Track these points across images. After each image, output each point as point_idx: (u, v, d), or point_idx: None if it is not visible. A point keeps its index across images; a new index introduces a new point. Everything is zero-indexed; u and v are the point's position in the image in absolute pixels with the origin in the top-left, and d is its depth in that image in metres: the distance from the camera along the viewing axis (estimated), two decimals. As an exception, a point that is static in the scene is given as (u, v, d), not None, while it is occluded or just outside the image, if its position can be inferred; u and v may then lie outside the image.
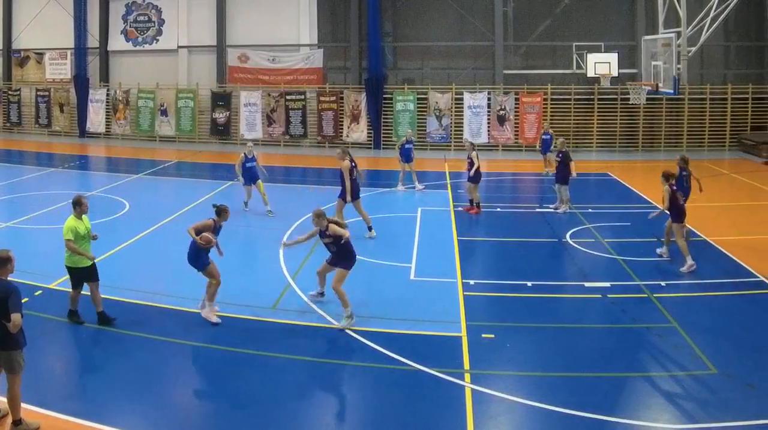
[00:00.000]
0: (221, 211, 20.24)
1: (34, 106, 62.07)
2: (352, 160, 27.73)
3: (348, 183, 27.36)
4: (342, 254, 19.90)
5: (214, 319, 19.35)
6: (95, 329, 18.86)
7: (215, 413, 14.91)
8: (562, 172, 32.40)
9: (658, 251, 26.04)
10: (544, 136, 43.36)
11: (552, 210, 32.48)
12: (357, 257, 20.12)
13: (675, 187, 24.92)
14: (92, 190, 36.01)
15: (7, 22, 63.39)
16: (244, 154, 31.64)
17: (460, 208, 32.76)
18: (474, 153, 32.24)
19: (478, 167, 32.08)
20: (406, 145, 38.18)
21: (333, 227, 19.74)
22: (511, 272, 24.15)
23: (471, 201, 32.59)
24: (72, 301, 19.34)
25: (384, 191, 37.48)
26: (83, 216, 19.31)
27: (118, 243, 26.67)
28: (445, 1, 55.51)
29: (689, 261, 23.97)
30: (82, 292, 19.20)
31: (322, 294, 21.35)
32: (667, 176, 24.85)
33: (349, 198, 27.64)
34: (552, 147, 42.39)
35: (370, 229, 27.90)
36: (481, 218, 31.71)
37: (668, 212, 24.77)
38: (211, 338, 18.56)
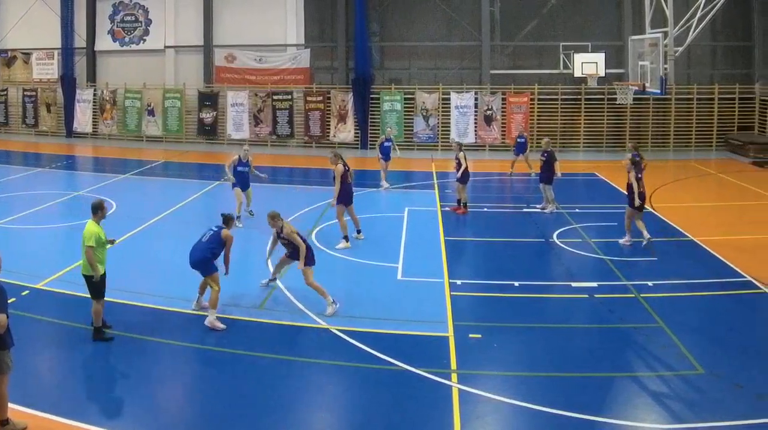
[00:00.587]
0: (228, 220, 20.39)
1: (21, 106, 61.83)
2: (345, 164, 27.60)
3: (338, 187, 27.13)
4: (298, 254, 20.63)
5: (220, 325, 19.15)
6: (83, 329, 18.74)
7: (202, 413, 14.90)
8: (547, 172, 32.43)
9: (620, 241, 27.12)
10: (519, 139, 43.19)
11: (539, 210, 32.49)
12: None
13: (639, 176, 26.33)
14: (79, 191, 35.96)
15: (-6, 22, 63.26)
16: (239, 156, 30.74)
17: (447, 208, 32.78)
18: (461, 154, 32.20)
19: (466, 168, 32.05)
20: (386, 143, 38.15)
21: (287, 230, 20.76)
22: (498, 272, 24.19)
23: (458, 201, 32.56)
24: (97, 316, 18.30)
25: (371, 191, 37.41)
26: (99, 222, 18.51)
27: (106, 243, 26.46)
28: (432, 1, 55.47)
29: (646, 234, 26.33)
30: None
31: (274, 280, 22.31)
32: (634, 163, 26.76)
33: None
34: (527, 150, 42.43)
35: (358, 231, 27.87)
36: (468, 218, 31.74)
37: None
38: (198, 339, 18.56)
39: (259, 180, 31.86)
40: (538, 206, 32.92)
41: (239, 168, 30.57)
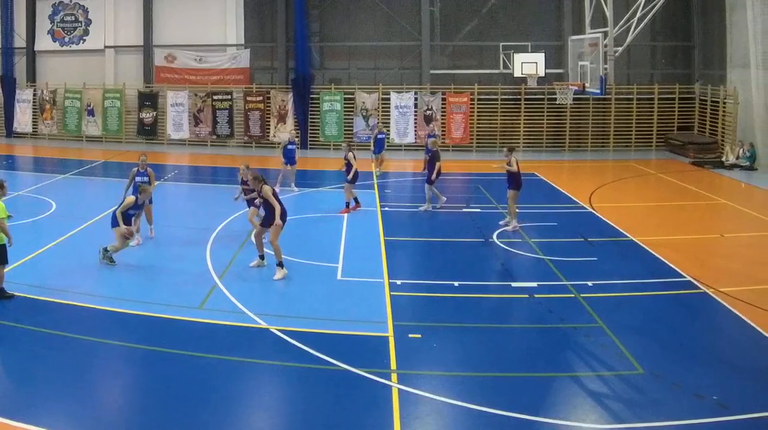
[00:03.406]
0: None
1: (-40, 106, 60.98)
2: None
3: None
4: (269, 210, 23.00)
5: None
6: (20, 328, 18.62)
7: (141, 413, 14.73)
8: (431, 172, 32.34)
9: (501, 222, 28.53)
10: (379, 136, 42.99)
11: (423, 210, 32.44)
12: (288, 215, 22.31)
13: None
14: (19, 190, 35.43)
15: (-69, 22, 62.36)
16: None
17: (386, 208, 32.64)
18: (351, 154, 32.10)
19: (356, 169, 32.03)
20: (289, 146, 37.79)
21: (265, 191, 22.87)
22: (437, 272, 24.17)
23: (347, 203, 32.37)
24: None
25: (311, 191, 37.37)
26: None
27: (45, 243, 26.38)
28: (372, 1, 55.40)
29: (515, 223, 27.77)
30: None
31: (262, 257, 23.54)
32: (511, 149, 28.82)
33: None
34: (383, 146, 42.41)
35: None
36: (408, 218, 31.72)
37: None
38: (137, 338, 18.41)
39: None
40: (422, 207, 32.84)
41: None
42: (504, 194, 30.07)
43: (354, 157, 32.25)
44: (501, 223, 28.24)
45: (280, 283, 22.58)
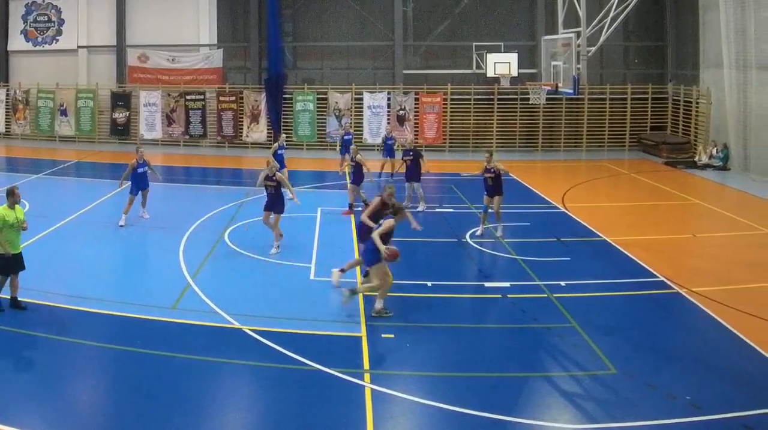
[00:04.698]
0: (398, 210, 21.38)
1: (-68, 106, 60.63)
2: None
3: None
4: (275, 199, 25.90)
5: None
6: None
7: (114, 414, 14.68)
8: (415, 171, 32.34)
9: (479, 232, 28.76)
10: (387, 141, 42.89)
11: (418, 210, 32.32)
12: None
13: None
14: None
15: None
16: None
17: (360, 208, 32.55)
18: (359, 156, 31.90)
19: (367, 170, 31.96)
20: (279, 151, 37.66)
21: (279, 176, 25.79)
22: (411, 272, 24.02)
23: (350, 204, 32.26)
24: None
25: (283, 191, 36.98)
26: (16, 206, 19.74)
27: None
28: (345, 2, 55.42)
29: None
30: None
31: (281, 236, 26.17)
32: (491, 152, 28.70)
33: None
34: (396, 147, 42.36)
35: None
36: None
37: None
38: (110, 338, 18.38)
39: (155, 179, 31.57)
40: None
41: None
42: (479, 196, 29.87)
43: (362, 159, 32.03)
44: (478, 232, 28.13)
45: (253, 283, 22.58)
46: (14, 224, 19.45)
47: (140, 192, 30.14)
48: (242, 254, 25.37)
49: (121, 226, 29.11)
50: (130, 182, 29.79)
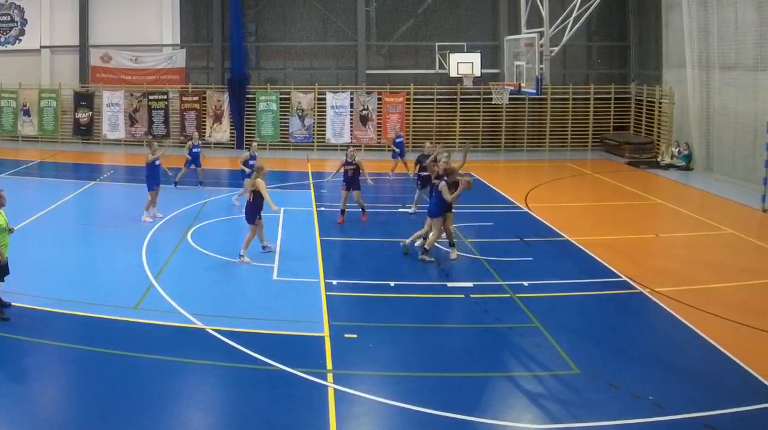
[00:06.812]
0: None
1: None
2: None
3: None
4: (254, 207, 25.22)
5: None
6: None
7: (77, 414, 14.64)
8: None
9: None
10: (397, 139, 42.82)
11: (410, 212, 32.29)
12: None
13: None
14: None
15: None
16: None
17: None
18: (358, 158, 31.67)
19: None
20: (194, 149, 37.52)
21: (258, 184, 25.01)
22: (373, 272, 24.11)
23: (363, 208, 31.85)
24: None
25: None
26: (0, 210, 19.56)
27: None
28: (308, 1, 55.43)
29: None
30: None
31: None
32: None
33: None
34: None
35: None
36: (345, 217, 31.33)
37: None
38: (72, 338, 18.33)
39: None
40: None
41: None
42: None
43: (361, 161, 31.57)
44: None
45: (215, 283, 22.71)
46: (5, 228, 19.44)
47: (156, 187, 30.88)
48: (205, 254, 25.37)
49: (149, 220, 30.11)
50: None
